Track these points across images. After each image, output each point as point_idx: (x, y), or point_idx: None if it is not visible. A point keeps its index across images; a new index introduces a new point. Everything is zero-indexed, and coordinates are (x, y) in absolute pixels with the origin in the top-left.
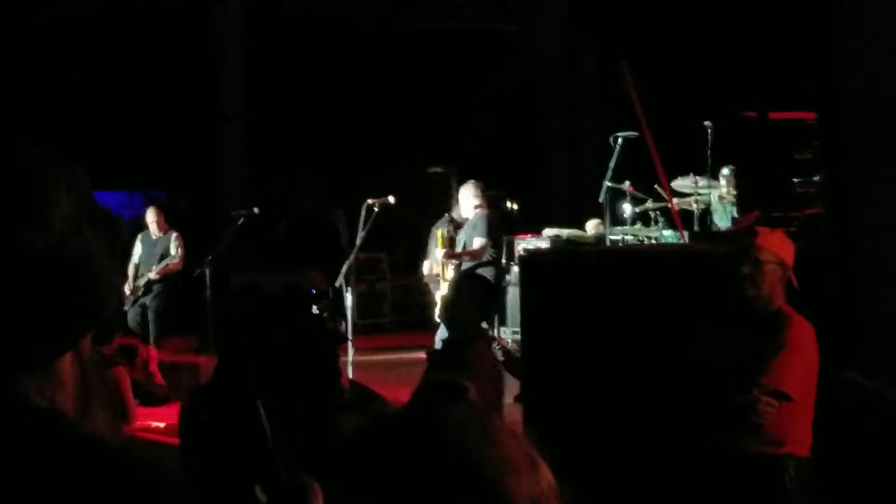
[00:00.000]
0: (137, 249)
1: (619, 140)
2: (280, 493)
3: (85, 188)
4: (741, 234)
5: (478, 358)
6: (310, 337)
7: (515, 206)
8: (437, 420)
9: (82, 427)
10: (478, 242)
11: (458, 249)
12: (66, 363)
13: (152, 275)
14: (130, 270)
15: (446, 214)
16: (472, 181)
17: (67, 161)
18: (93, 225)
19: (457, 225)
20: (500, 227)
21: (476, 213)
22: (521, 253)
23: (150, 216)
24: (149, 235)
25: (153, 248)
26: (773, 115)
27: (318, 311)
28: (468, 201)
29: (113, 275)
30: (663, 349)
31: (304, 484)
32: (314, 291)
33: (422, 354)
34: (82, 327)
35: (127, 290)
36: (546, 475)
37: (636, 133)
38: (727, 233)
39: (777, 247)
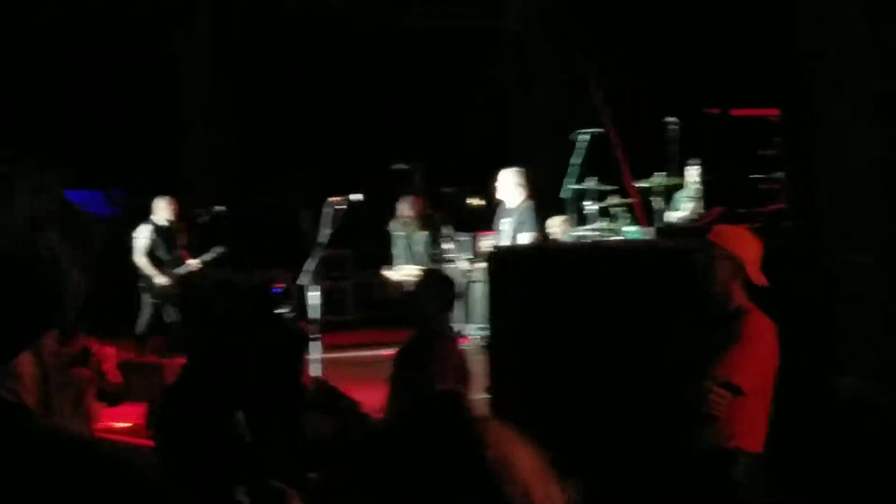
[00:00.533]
0: (147, 239)
1: (584, 136)
2: (259, 500)
3: (55, 191)
4: (702, 229)
5: (442, 351)
6: (276, 336)
7: (482, 202)
8: (467, 432)
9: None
10: (526, 238)
11: (504, 241)
12: (26, 361)
13: (196, 263)
14: (140, 261)
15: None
16: (514, 168)
17: (40, 161)
18: (63, 227)
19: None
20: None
21: (523, 205)
22: (490, 249)
23: (165, 203)
24: (161, 225)
25: (168, 239)
26: (734, 112)
27: (283, 311)
28: (513, 189)
29: (78, 278)
30: (627, 344)
31: (281, 491)
32: (279, 290)
33: (385, 352)
34: (41, 327)
35: (164, 281)
36: (558, 485)
37: (600, 129)
38: (692, 228)
39: (729, 242)
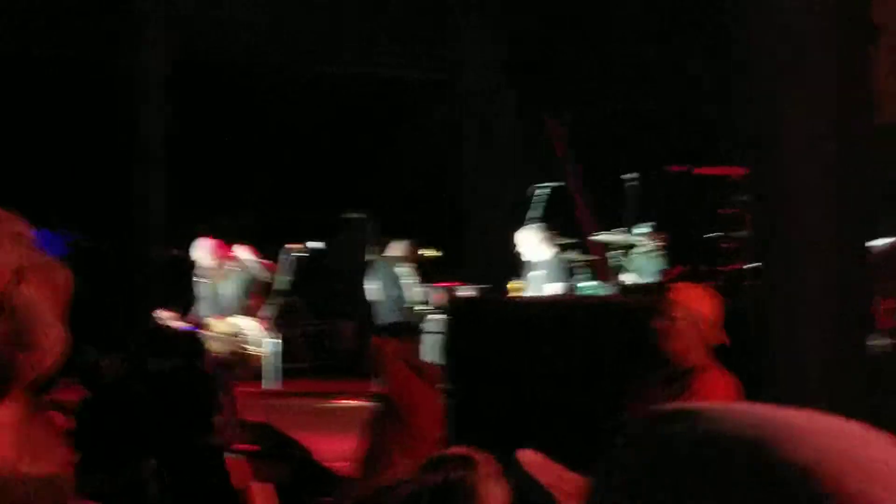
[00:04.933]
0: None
1: (542, 190)
2: None
3: (29, 236)
4: (661, 287)
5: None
6: (181, 372)
7: (433, 254)
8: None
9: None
10: (556, 287)
11: (531, 292)
12: (3, 410)
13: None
14: None
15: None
16: (533, 225)
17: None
18: (37, 273)
19: None
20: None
21: (553, 258)
22: (448, 300)
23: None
24: None
25: None
26: (698, 171)
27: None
28: (537, 244)
29: (56, 326)
30: (585, 401)
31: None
32: (191, 328)
33: (339, 401)
34: (22, 377)
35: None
36: None
37: (559, 183)
38: (653, 286)
39: (692, 301)
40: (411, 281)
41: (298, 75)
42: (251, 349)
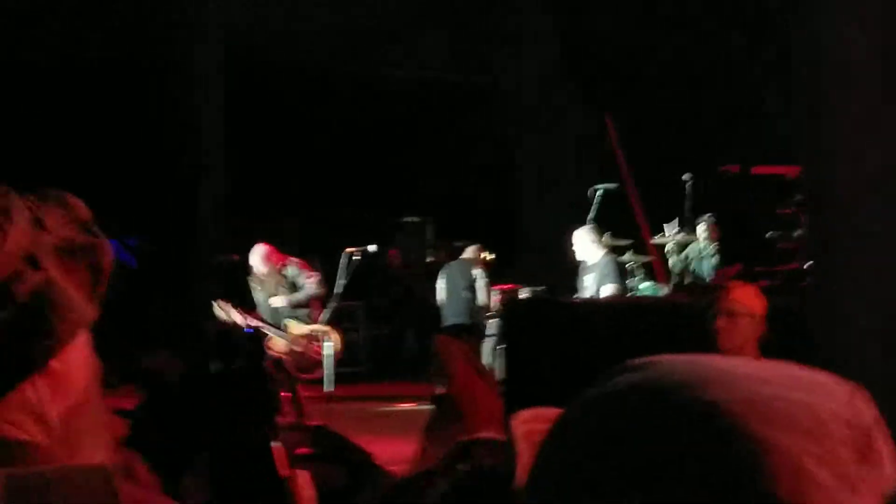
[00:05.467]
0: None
1: (599, 192)
2: None
3: (72, 216)
4: (718, 286)
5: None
6: (244, 371)
7: (491, 257)
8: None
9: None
10: (610, 289)
11: (586, 295)
12: (47, 398)
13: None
14: None
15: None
16: (586, 226)
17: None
18: (65, 257)
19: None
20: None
21: (603, 259)
22: (503, 303)
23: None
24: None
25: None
26: (755, 170)
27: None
28: (589, 246)
29: (77, 310)
30: None
31: None
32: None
33: (397, 405)
34: (34, 363)
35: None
36: None
37: (616, 185)
38: (708, 285)
39: (750, 299)
40: (483, 283)
41: (351, 79)
42: (316, 352)
